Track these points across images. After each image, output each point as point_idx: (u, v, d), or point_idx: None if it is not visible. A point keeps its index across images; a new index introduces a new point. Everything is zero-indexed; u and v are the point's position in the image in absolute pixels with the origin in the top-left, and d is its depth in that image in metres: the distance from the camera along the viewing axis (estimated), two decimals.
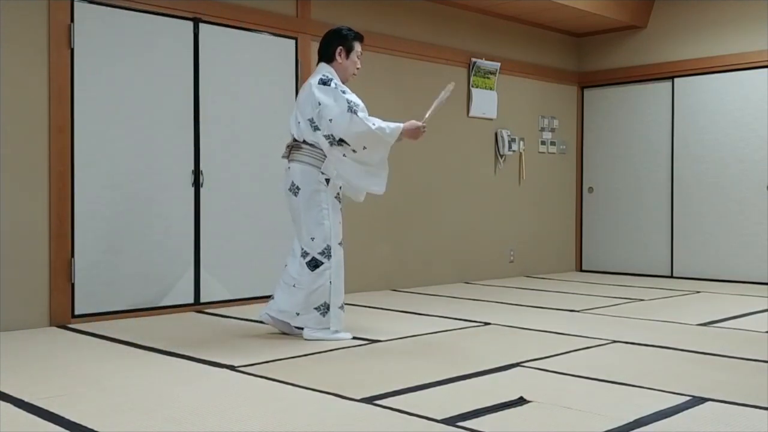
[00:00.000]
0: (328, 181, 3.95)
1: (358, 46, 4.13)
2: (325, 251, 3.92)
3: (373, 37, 6.12)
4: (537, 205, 7.66)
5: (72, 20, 4.54)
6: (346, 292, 5.87)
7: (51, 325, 4.46)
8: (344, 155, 3.91)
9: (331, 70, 4.06)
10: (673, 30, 7.43)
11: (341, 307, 4.00)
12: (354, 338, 4.03)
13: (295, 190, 3.96)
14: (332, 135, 3.87)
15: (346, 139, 3.86)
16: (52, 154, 4.47)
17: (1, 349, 3.75)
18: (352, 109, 3.85)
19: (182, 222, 5.02)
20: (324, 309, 3.95)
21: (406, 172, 6.41)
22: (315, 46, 5.68)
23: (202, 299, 5.11)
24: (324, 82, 3.94)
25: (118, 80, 4.74)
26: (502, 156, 7.26)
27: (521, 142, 7.44)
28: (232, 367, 3.33)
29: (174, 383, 3.05)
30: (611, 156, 7.88)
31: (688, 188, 7.30)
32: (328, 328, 3.98)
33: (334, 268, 3.94)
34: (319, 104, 3.88)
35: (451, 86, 4.11)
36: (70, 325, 4.47)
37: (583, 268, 8.10)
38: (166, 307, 4.93)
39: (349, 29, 4.15)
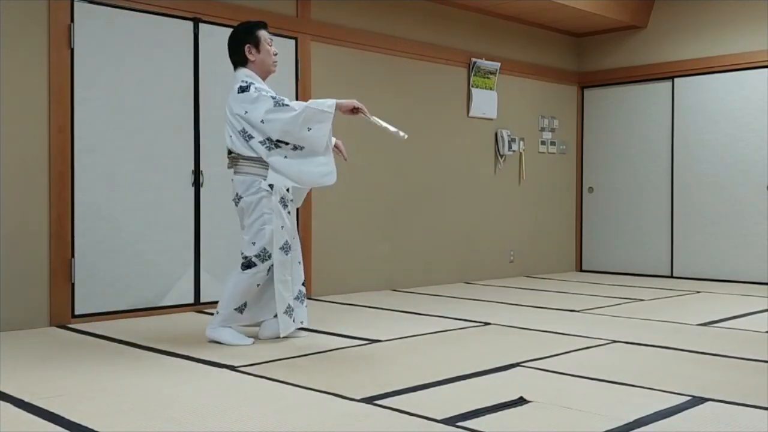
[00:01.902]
0: (272, 186, 3.82)
1: (264, 34, 3.94)
2: (261, 254, 3.83)
3: (373, 37, 6.13)
4: (537, 205, 7.66)
5: (72, 20, 4.54)
6: (346, 292, 5.93)
7: (51, 325, 4.46)
8: (285, 157, 3.78)
9: (249, 72, 3.91)
10: (673, 30, 7.43)
11: (287, 312, 3.91)
12: (354, 338, 4.03)
13: (236, 199, 3.88)
14: (268, 138, 3.76)
15: (286, 132, 3.72)
16: (52, 154, 4.47)
17: (1, 349, 3.76)
18: (278, 103, 3.74)
19: (182, 222, 5.02)
20: (243, 308, 3.89)
21: (406, 172, 6.41)
22: (315, 46, 5.73)
23: (202, 299, 5.12)
24: (243, 90, 3.80)
25: (118, 80, 4.74)
26: (502, 156, 7.26)
27: (521, 142, 7.44)
28: (232, 367, 3.33)
29: (174, 383, 3.05)
30: (611, 156, 7.88)
31: (688, 188, 7.30)
32: (230, 327, 3.90)
33: (276, 271, 3.84)
34: (245, 113, 3.76)
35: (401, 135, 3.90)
36: (70, 325, 4.47)
37: (583, 268, 8.10)
38: (166, 307, 4.93)
39: (247, 22, 3.99)
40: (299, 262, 4.05)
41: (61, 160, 4.50)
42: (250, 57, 3.92)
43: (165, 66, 4.94)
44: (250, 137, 3.79)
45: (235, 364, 3.38)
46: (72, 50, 4.54)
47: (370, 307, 5.26)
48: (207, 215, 5.12)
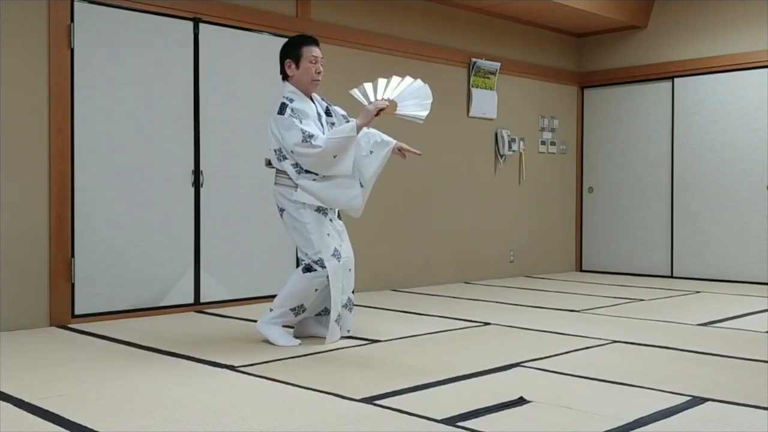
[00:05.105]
0: None
1: (307, 51, 3.97)
2: (318, 262, 3.86)
3: (373, 37, 6.13)
4: (537, 205, 7.66)
5: (72, 20, 4.53)
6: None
7: (51, 325, 4.46)
8: (314, 180, 3.86)
9: (290, 87, 3.97)
10: (673, 30, 7.43)
11: (337, 321, 3.93)
12: (354, 338, 4.03)
13: (280, 211, 3.97)
14: (299, 164, 3.84)
15: (314, 166, 3.81)
16: (52, 154, 4.47)
17: (1, 349, 3.76)
18: (306, 138, 3.76)
19: (182, 222, 5.02)
20: (300, 310, 3.90)
21: (406, 172, 6.41)
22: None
23: (202, 299, 5.11)
24: (280, 110, 3.87)
25: (118, 80, 4.74)
26: (502, 156, 7.26)
27: (521, 142, 7.44)
28: (232, 367, 3.34)
29: (174, 383, 3.05)
30: (611, 156, 7.88)
31: (688, 188, 7.30)
32: (279, 325, 3.91)
33: (331, 279, 3.86)
34: (282, 138, 3.84)
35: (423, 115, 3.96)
36: (70, 325, 4.47)
37: (583, 268, 8.10)
38: (166, 307, 4.93)
39: (297, 37, 4.05)
40: (350, 270, 4.04)
41: (61, 160, 4.50)
42: (289, 72, 3.98)
43: (165, 66, 4.94)
44: (284, 158, 3.88)
45: (235, 364, 3.38)
46: (72, 50, 4.54)
47: (370, 307, 5.26)
48: (207, 215, 5.12)
